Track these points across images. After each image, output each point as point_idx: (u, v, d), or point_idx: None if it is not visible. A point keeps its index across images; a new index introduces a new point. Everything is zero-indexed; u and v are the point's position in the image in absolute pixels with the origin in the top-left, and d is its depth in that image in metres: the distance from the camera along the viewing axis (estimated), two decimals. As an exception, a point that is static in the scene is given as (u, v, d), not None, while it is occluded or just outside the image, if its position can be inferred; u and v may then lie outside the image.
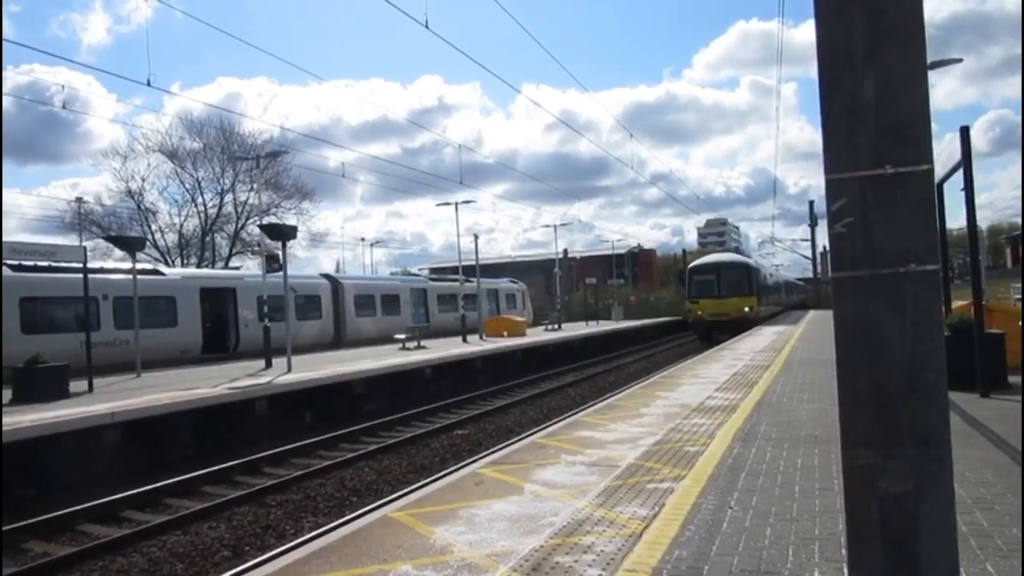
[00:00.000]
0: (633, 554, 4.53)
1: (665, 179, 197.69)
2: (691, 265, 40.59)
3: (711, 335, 34.57)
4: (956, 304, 12.61)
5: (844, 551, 3.82)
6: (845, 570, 3.68)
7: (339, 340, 30.32)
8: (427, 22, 15.67)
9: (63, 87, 42.70)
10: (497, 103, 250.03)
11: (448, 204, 34.51)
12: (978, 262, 11.09)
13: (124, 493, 10.40)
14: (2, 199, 22.03)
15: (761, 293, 39.80)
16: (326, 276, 32.66)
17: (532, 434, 10.33)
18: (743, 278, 37.19)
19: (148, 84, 17.91)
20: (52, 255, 16.50)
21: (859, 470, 3.47)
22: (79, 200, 47.27)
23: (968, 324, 10.15)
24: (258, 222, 35.00)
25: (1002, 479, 5.80)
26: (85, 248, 18.94)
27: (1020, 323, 11.52)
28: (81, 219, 46.27)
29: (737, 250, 72.22)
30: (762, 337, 26.17)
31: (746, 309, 35.52)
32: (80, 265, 16.60)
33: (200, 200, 51.71)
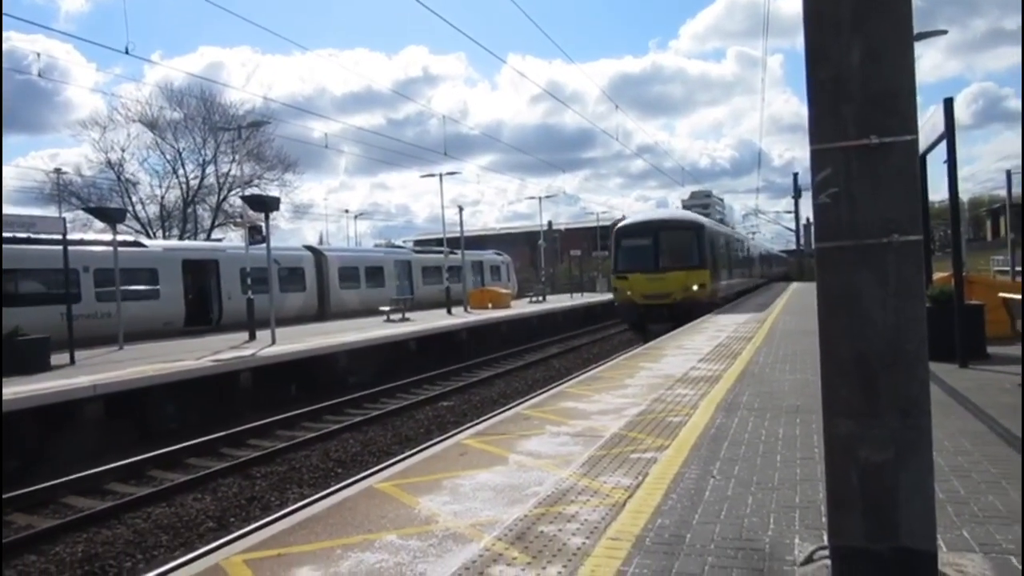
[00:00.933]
0: (617, 523, 4.57)
1: (650, 151, 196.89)
2: (618, 225, 28.65)
3: (644, 324, 25.35)
4: (936, 276, 12.73)
5: (824, 519, 3.87)
6: (825, 537, 3.73)
7: (323, 312, 30.24)
8: (410, -10, 15.32)
9: (38, 55, 41.65)
10: (483, 74, 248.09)
11: (432, 176, 34.34)
12: (959, 234, 11.17)
13: (108, 465, 10.39)
14: (2, 175, 21.57)
15: (719, 265, 29.44)
16: (310, 248, 32.46)
17: (516, 405, 10.37)
18: (691, 243, 26.16)
19: (126, 52, 17.51)
20: (31, 226, 16.29)
21: (840, 439, 3.51)
22: (58, 171, 46.67)
23: (948, 296, 10.24)
24: (240, 193, 34.62)
25: (979, 448, 5.89)
26: (65, 220, 18.68)
27: (1001, 295, 11.61)
28: (60, 190, 45.69)
29: (722, 221, 63.67)
30: (728, 319, 23.37)
31: (695, 288, 25.17)
32: (60, 237, 16.41)
33: (181, 171, 51.19)
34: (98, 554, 7.57)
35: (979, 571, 3.59)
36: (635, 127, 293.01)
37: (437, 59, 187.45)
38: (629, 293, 25.84)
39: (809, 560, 3.76)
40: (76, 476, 9.93)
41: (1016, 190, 26.11)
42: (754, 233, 73.83)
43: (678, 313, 24.14)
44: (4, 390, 11.18)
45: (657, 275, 25.43)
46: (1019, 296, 10.15)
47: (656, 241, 26.11)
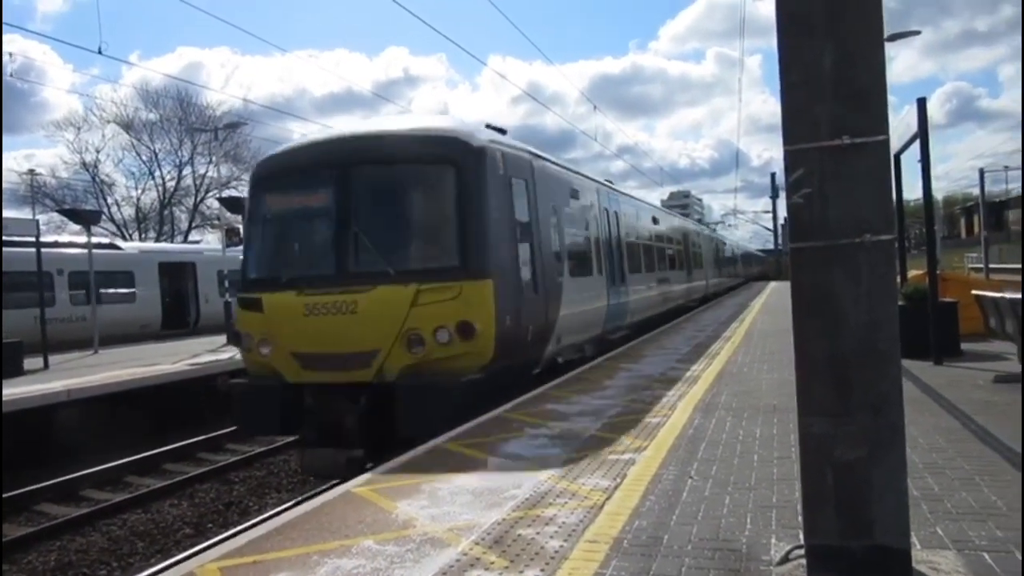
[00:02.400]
0: (594, 525, 4.56)
1: (630, 151, 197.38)
2: (261, 161, 10.65)
3: (302, 429, 9.07)
4: (912, 274, 12.87)
5: (800, 518, 3.88)
6: (801, 536, 3.74)
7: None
8: (387, -10, 15.04)
9: (11, 55, 41.11)
10: (463, 75, 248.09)
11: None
12: (933, 232, 11.28)
13: (82, 472, 10.24)
14: (1, 174, 21.23)
15: (556, 259, 10.98)
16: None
17: (497, 408, 10.33)
18: (442, 201, 8.95)
19: (99, 52, 17.28)
20: (3, 228, 16.04)
21: (814, 438, 3.53)
22: (32, 172, 46.08)
23: (923, 294, 10.34)
24: (218, 195, 34.35)
25: (953, 444, 5.94)
26: (38, 221, 18.50)
27: (974, 292, 11.74)
28: (34, 191, 45.15)
29: (700, 222, 50.89)
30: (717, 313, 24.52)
31: (446, 339, 8.36)
32: (33, 239, 16.18)
33: (158, 173, 50.82)
34: (72, 562, 7.48)
35: (953, 568, 3.62)
36: (615, 128, 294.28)
37: (417, 60, 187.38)
38: (264, 352, 9.26)
39: (785, 560, 3.77)
40: (50, 483, 9.79)
41: (1000, 186, 26.35)
42: (716, 225, 67.50)
43: (389, 409, 8.36)
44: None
45: (340, 296, 8.66)
46: (992, 293, 10.25)
47: (343, 198, 9.08)
